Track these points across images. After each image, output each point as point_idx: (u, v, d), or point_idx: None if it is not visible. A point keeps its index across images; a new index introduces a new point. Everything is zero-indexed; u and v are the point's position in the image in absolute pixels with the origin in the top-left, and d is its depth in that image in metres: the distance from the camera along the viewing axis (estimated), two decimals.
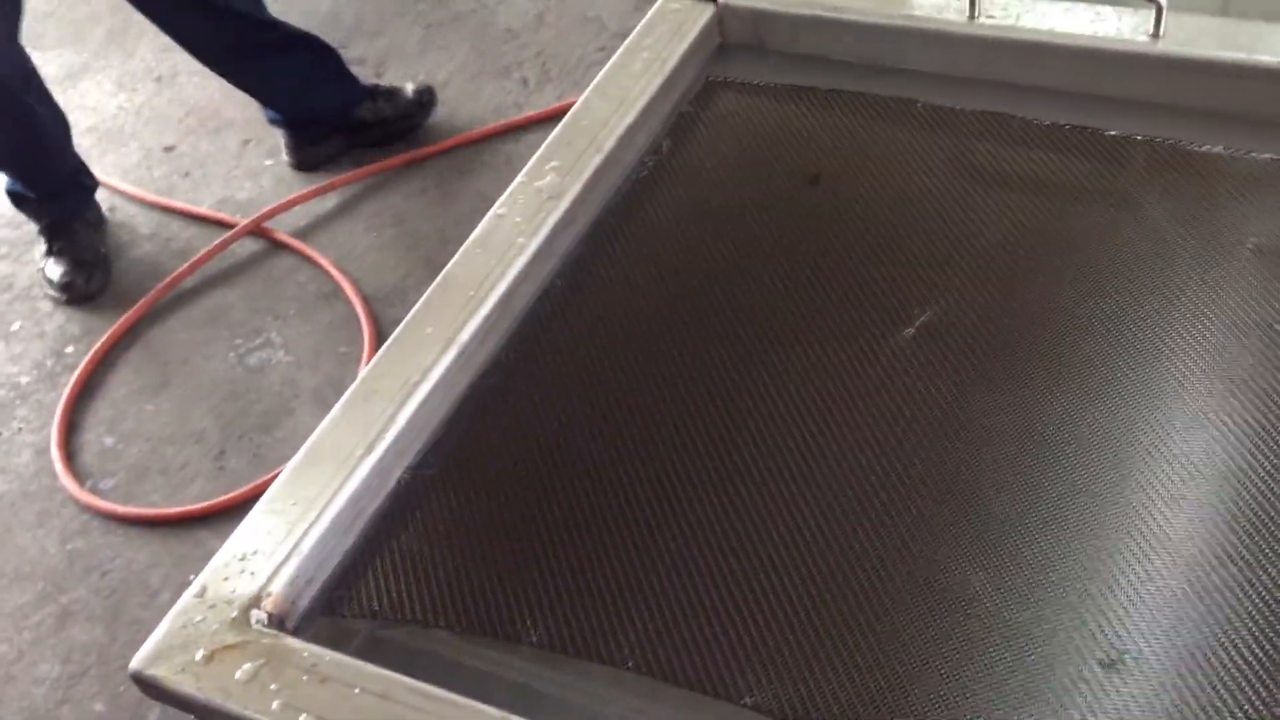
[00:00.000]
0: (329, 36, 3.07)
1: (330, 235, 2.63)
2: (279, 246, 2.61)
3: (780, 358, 0.96)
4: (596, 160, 1.09)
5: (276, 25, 2.59)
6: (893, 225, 1.05)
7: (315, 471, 0.90)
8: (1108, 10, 1.11)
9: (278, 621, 0.83)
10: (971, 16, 1.14)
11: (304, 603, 0.85)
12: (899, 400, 0.91)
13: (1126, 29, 1.09)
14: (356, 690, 0.76)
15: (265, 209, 2.66)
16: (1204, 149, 1.05)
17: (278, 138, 2.77)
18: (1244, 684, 0.72)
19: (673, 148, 1.16)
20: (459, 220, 2.59)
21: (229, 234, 2.61)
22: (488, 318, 0.99)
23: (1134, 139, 1.07)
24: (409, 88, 2.78)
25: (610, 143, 1.11)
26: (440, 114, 2.85)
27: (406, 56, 3.05)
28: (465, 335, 0.97)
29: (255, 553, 0.85)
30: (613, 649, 0.80)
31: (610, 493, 0.89)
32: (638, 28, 1.23)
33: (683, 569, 0.84)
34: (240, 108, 2.91)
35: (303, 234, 2.63)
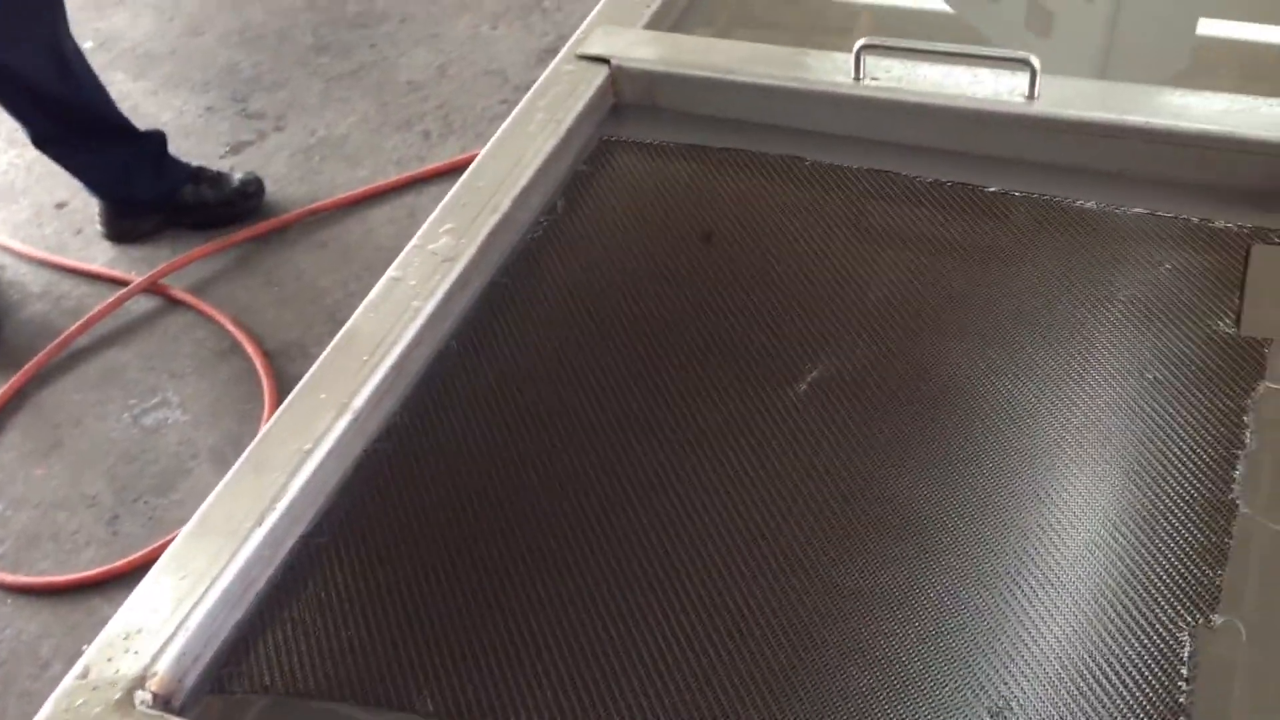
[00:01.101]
0: (227, 89, 3.06)
1: (228, 291, 2.59)
2: (175, 303, 2.57)
3: (675, 416, 0.97)
4: (492, 221, 1.10)
5: (105, 118, 2.57)
6: (783, 281, 1.07)
7: (204, 544, 0.88)
8: (986, 73, 1.14)
9: (163, 702, 0.80)
10: (857, 78, 1.17)
11: (191, 681, 0.83)
12: (791, 456, 0.93)
13: (1004, 90, 1.12)
14: None
15: (161, 266, 2.61)
16: (1078, 204, 1.08)
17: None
18: None
19: (567, 207, 1.17)
20: (359, 274, 2.57)
21: (123, 291, 2.56)
22: (382, 382, 0.98)
23: (1012, 195, 1.11)
24: (236, 176, 2.76)
25: (505, 204, 1.11)
26: (340, 168, 2.83)
27: (307, 109, 3.04)
28: (359, 401, 0.96)
29: (140, 631, 0.83)
30: (509, 716, 0.79)
31: (504, 558, 0.89)
32: (533, 88, 1.24)
33: (578, 633, 0.83)
34: None
35: (200, 290, 2.59)
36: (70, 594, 2.06)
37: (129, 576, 2.04)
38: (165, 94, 3.12)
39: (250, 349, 2.41)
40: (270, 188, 2.78)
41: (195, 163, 2.75)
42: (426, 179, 2.79)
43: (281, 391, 2.31)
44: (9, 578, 2.07)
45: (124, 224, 2.72)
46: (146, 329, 2.52)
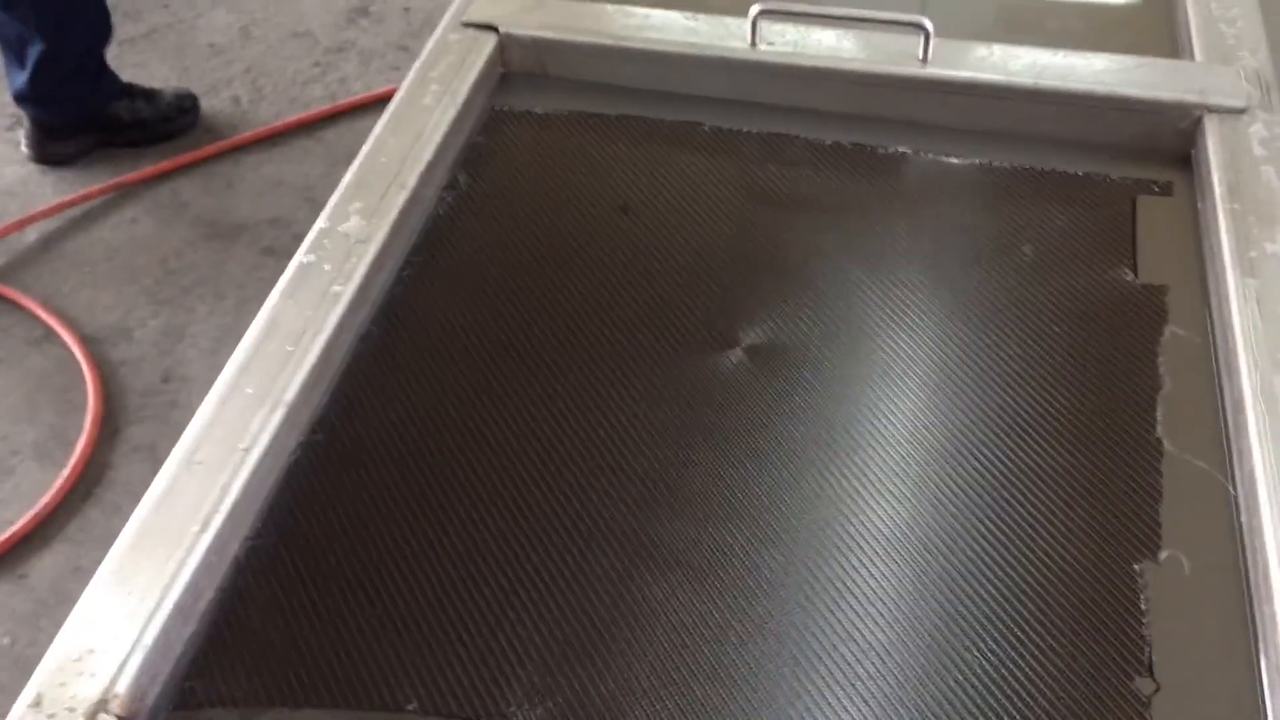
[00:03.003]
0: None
1: (34, 274, 2.42)
2: None
3: (604, 381, 0.97)
4: (400, 199, 1.06)
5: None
6: (689, 248, 1.08)
7: (148, 555, 0.83)
8: (880, 37, 1.17)
9: None
10: (752, 44, 1.18)
11: (151, 699, 0.79)
12: (709, 416, 0.94)
13: (898, 54, 1.16)
14: None
15: None
16: (974, 163, 1.13)
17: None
18: None
19: (470, 181, 1.14)
20: (179, 250, 2.44)
21: None
22: (310, 373, 0.94)
23: (909, 155, 1.15)
24: (169, 91, 2.65)
25: (412, 180, 1.08)
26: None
27: None
28: (290, 394, 0.92)
29: (93, 651, 0.78)
30: (489, 706, 0.78)
31: (457, 540, 0.87)
32: (420, 60, 1.20)
33: (539, 608, 0.83)
34: None
35: (1, 275, 2.42)
36: None
37: None
38: None
39: (66, 335, 2.26)
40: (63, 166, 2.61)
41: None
42: (242, 146, 2.66)
43: (105, 379, 2.17)
44: None
45: (52, 146, 2.56)
46: None
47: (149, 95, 2.64)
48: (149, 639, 0.79)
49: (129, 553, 0.84)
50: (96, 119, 2.58)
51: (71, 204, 2.54)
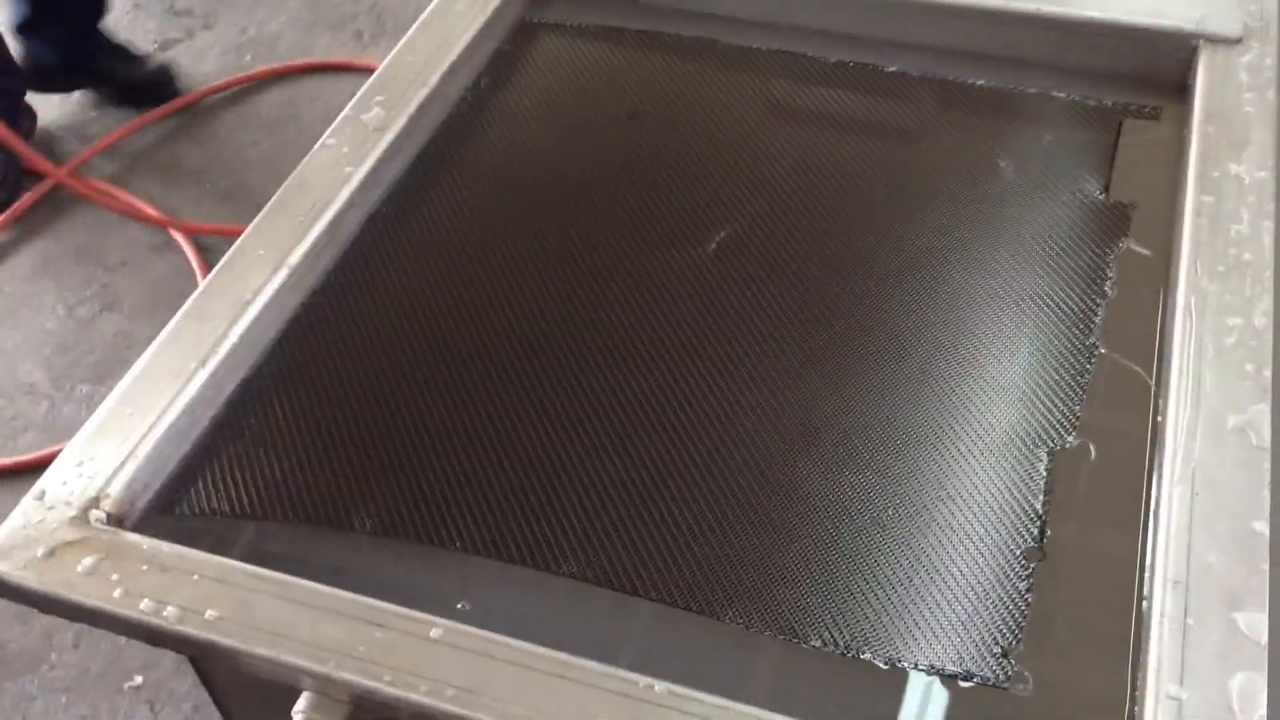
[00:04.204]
0: None
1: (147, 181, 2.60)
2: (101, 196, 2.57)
3: (602, 268, 1.05)
4: (421, 94, 1.15)
5: None
6: (697, 155, 1.14)
7: (150, 385, 0.94)
8: None
9: (116, 521, 0.87)
10: None
11: (142, 504, 0.90)
12: (704, 301, 1.01)
13: None
14: (195, 577, 0.82)
15: (76, 156, 2.60)
16: (971, 83, 1.17)
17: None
18: None
19: (491, 84, 1.23)
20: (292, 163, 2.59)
21: (38, 186, 2.54)
22: (317, 241, 1.04)
23: (910, 75, 1.19)
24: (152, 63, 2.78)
25: (434, 79, 1.17)
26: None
27: (237, 8, 3.02)
28: (295, 258, 1.03)
29: (92, 459, 0.90)
30: (439, 531, 0.87)
31: (432, 396, 0.97)
32: None
33: (499, 456, 0.91)
34: None
35: (121, 180, 2.59)
36: (11, 476, 2.10)
37: None
38: None
39: (184, 243, 2.44)
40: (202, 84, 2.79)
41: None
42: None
43: None
44: None
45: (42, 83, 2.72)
46: (73, 219, 2.53)
47: (133, 59, 2.76)
48: (142, 453, 0.90)
49: (136, 382, 0.95)
50: (85, 73, 2.71)
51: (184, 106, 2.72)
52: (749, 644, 0.81)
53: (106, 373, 2.25)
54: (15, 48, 2.66)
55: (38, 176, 2.54)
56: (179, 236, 2.45)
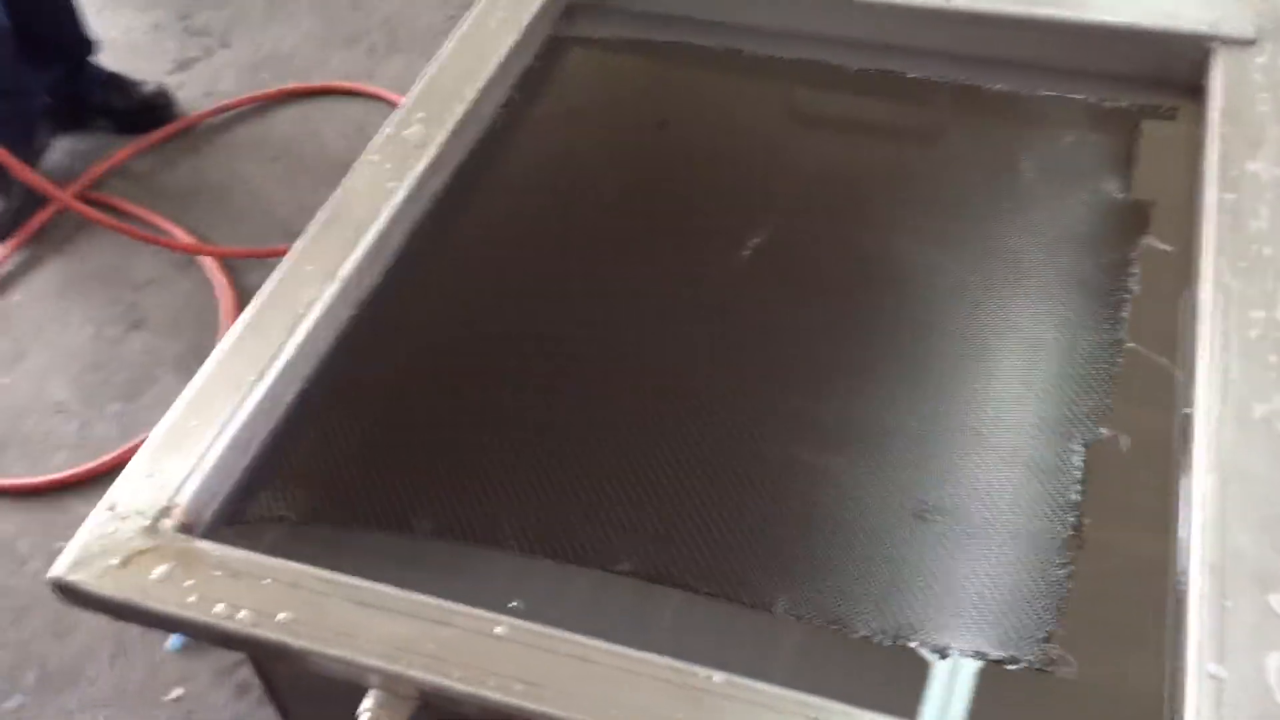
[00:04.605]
0: (171, 6, 3.07)
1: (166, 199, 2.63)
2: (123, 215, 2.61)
3: (636, 275, 1.09)
4: (459, 111, 1.19)
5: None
6: (726, 162, 1.18)
7: (212, 399, 0.98)
8: None
9: (186, 529, 0.91)
10: None
11: (209, 514, 0.94)
12: (735, 307, 1.05)
13: None
14: (267, 581, 0.85)
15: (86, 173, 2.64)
16: (991, 88, 1.20)
17: None
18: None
19: (525, 100, 1.27)
20: (314, 190, 2.63)
21: (43, 211, 2.58)
22: (365, 256, 1.08)
23: (932, 80, 1.22)
24: (146, 87, 2.81)
25: (471, 95, 1.21)
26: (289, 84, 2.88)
27: (251, 25, 3.07)
28: (345, 270, 1.06)
29: (160, 471, 0.93)
30: (495, 532, 0.91)
31: (485, 399, 1.00)
32: None
33: (552, 457, 0.95)
34: None
35: (142, 199, 2.63)
36: (44, 495, 2.14)
37: (103, 476, 2.12)
38: (111, 12, 3.12)
39: (209, 262, 2.47)
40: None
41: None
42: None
43: (243, 299, 2.38)
44: None
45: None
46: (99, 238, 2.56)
47: (126, 87, 2.79)
48: (208, 465, 0.94)
49: (197, 396, 0.99)
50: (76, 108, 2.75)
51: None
52: (793, 633, 0.85)
53: (137, 391, 2.28)
54: None
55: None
56: (204, 256, 2.48)
